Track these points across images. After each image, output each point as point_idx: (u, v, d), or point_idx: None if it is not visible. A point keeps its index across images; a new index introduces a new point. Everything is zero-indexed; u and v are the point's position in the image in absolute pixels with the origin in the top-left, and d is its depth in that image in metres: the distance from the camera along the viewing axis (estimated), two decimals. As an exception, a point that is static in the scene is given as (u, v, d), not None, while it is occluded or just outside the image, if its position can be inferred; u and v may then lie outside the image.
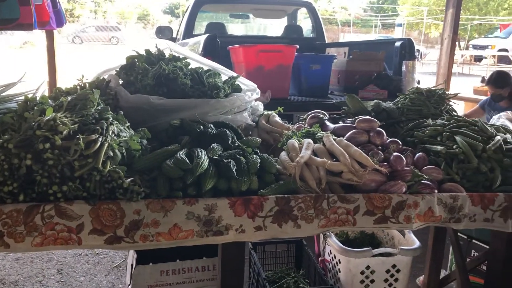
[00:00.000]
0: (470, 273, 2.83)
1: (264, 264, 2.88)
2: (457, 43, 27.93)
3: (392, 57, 4.56)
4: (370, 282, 2.41)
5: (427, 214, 1.62)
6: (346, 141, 1.81)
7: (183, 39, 5.81)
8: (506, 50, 22.57)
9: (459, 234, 3.01)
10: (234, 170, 1.53)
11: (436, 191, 1.69)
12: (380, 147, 1.90)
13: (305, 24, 7.29)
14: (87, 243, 1.38)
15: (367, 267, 2.39)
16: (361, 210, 1.58)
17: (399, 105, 2.43)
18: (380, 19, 32.78)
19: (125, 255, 3.49)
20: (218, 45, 4.07)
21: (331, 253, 2.57)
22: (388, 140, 1.93)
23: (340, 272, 2.47)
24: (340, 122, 2.26)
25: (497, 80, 4.59)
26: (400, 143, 1.92)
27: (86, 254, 3.58)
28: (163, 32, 6.71)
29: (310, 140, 1.80)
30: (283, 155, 1.77)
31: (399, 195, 1.61)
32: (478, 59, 23.62)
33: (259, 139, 1.87)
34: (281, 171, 1.72)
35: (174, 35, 6.66)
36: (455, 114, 2.50)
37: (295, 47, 3.92)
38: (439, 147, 1.93)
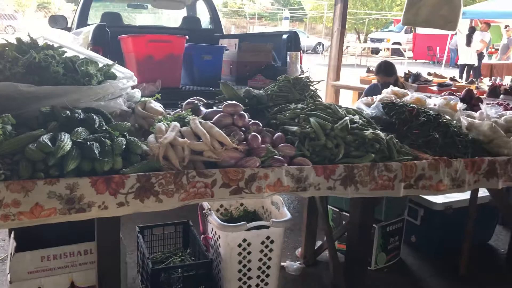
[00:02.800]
0: (339, 241, 3.19)
1: (153, 246, 3.00)
2: (357, 36, 29.74)
3: (280, 48, 4.85)
4: (247, 253, 2.62)
5: (276, 184, 1.86)
6: (210, 123, 1.99)
7: (77, 28, 5.66)
8: (399, 43, 24.48)
9: (332, 207, 3.37)
10: (97, 151, 1.63)
11: (286, 164, 1.92)
12: (243, 128, 2.11)
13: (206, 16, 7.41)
14: None
15: (244, 240, 2.60)
16: (218, 183, 1.77)
17: (269, 92, 2.67)
18: (287, 12, 33.75)
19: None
20: (107, 35, 4.05)
21: (212, 230, 2.75)
22: (250, 122, 2.14)
23: (220, 246, 2.66)
24: (214, 107, 2.45)
25: (386, 69, 5.01)
26: (260, 124, 2.14)
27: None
28: (57, 21, 6.45)
29: (177, 123, 1.95)
30: (151, 137, 1.90)
31: (252, 168, 1.83)
32: (376, 51, 25.37)
33: (128, 123, 1.98)
34: (148, 152, 1.85)
35: (69, 25, 6.44)
36: (320, 99, 2.80)
37: (184, 37, 4.04)
38: (295, 128, 2.19)
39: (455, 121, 2.58)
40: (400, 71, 6.74)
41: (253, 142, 1.94)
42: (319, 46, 26.56)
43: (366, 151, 2.13)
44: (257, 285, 2.71)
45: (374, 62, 20.28)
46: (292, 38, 4.71)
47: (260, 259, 2.67)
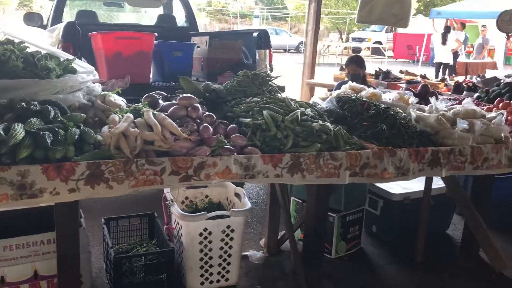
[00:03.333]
0: (302, 231, 3.31)
1: (119, 237, 3.08)
2: (339, 35, 29.99)
3: (251, 46, 4.96)
4: (208, 242, 2.73)
5: (225, 172, 1.97)
6: (163, 115, 2.09)
7: (52, 25, 5.70)
8: (380, 43, 24.81)
9: (295, 198, 3.49)
10: (49, 140, 1.72)
11: (235, 153, 2.03)
12: (198, 120, 2.21)
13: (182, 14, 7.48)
14: None
15: (205, 229, 2.70)
16: (167, 171, 1.87)
17: (228, 86, 2.78)
18: (268, 11, 33.91)
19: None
20: (77, 32, 4.12)
21: (175, 221, 2.85)
22: (205, 114, 2.25)
23: (182, 236, 2.76)
24: (173, 100, 2.54)
25: (358, 60, 5.15)
26: (214, 116, 2.26)
27: None
28: (32, 19, 6.48)
29: (130, 114, 2.05)
30: (105, 128, 1.99)
31: (201, 157, 1.93)
32: (357, 50, 25.62)
33: (83, 115, 2.07)
34: (102, 142, 1.94)
35: (45, 23, 6.46)
36: (279, 93, 2.91)
37: (153, 34, 4.13)
38: (248, 120, 2.29)
39: (403, 114, 2.71)
40: (389, 69, 6.92)
41: (204, 132, 2.05)
42: (302, 45, 26.74)
43: (314, 141, 2.25)
44: (219, 272, 2.82)
45: (355, 61, 20.57)
46: (262, 36, 4.82)
47: (221, 248, 2.78)
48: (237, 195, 3.05)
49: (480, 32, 14.77)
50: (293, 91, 8.50)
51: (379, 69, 6.67)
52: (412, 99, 3.02)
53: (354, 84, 3.35)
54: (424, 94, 3.48)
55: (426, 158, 2.44)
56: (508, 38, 13.96)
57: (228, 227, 2.76)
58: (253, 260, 3.22)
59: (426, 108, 2.93)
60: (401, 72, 7.41)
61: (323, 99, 2.98)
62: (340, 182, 2.24)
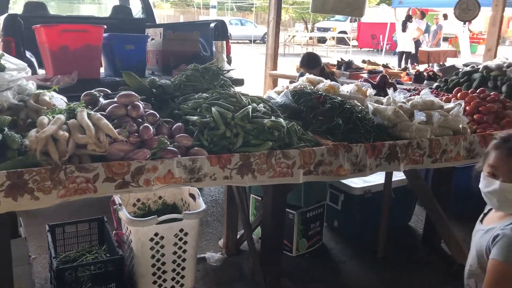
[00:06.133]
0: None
1: (67, 244, 2.88)
2: (305, 25, 29.96)
3: (208, 38, 4.79)
4: (160, 247, 2.57)
5: (167, 176, 1.81)
6: (99, 115, 1.91)
7: (-4, 19, 5.36)
8: (345, 32, 24.93)
9: (255, 195, 3.37)
10: (-39, 148, 1.53)
11: (179, 155, 1.88)
12: (139, 119, 2.04)
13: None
14: None
15: (156, 234, 2.54)
16: (100, 178, 1.70)
17: (176, 81, 2.61)
18: (233, 2, 33.59)
19: None
20: (20, 26, 3.86)
21: (125, 226, 2.68)
22: (147, 113, 2.08)
23: (132, 242, 2.60)
24: (116, 98, 2.36)
25: (309, 62, 4.98)
26: (157, 115, 2.09)
27: None
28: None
29: (60, 116, 1.86)
30: (32, 131, 1.80)
31: (139, 161, 1.77)
32: (322, 40, 25.67)
33: (8, 117, 1.87)
34: (28, 147, 1.75)
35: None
36: (232, 88, 2.77)
37: (102, 27, 3.90)
38: (195, 117, 2.14)
39: (360, 107, 2.62)
40: (346, 59, 6.84)
41: (144, 133, 1.89)
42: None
43: (265, 139, 2.12)
44: (173, 278, 2.67)
45: (321, 51, 20.59)
46: (219, 27, 4.66)
47: (175, 252, 2.63)
48: (191, 195, 2.90)
49: (433, 20, 14.98)
50: (257, 83, 8.39)
51: (341, 59, 6.60)
52: (370, 91, 2.94)
53: (312, 76, 3.24)
54: (383, 85, 3.40)
55: (384, 153, 2.36)
56: (467, 27, 14.21)
57: (181, 230, 2.61)
58: (211, 262, 3.09)
59: (384, 100, 2.85)
60: (363, 62, 7.37)
61: (279, 93, 2.86)
62: (293, 182, 2.13)
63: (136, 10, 6.86)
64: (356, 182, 3.44)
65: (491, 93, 3.21)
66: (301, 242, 3.24)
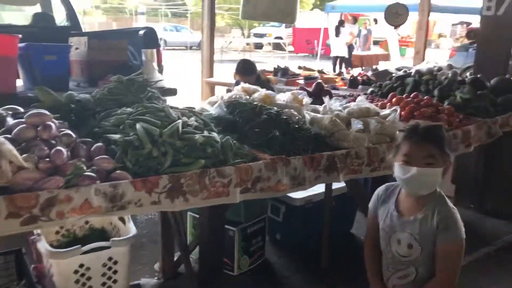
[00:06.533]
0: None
1: (-21, 281, 2.55)
2: (242, 32, 30.05)
3: (138, 46, 4.54)
4: (86, 279, 2.32)
5: (84, 207, 1.59)
6: (1, 139, 1.65)
7: None
8: (280, 38, 25.21)
9: (193, 213, 3.18)
10: None
11: (98, 181, 1.67)
12: (53, 141, 1.80)
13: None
14: None
15: (81, 265, 2.29)
16: (2, 214, 1.46)
17: (98, 95, 2.38)
18: (168, 8, 33.12)
19: None
20: None
21: (46, 258, 2.41)
22: (62, 133, 1.85)
23: (54, 275, 2.33)
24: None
25: (244, 69, 4.82)
26: (73, 135, 1.86)
27: None
28: None
29: (-47, 142, 1.59)
30: None
31: (50, 191, 1.54)
32: (259, 46, 25.82)
33: None
34: None
35: None
36: (161, 100, 2.57)
37: (17, 36, 3.55)
38: (117, 136, 1.93)
39: (297, 117, 2.52)
40: (282, 65, 6.78)
41: (56, 158, 1.65)
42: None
43: (198, 157, 1.95)
44: (103, 312, 2.42)
45: (257, 57, 20.67)
46: (149, 35, 4.43)
47: (104, 283, 2.39)
48: (121, 218, 2.66)
49: (362, 25, 15.47)
50: (195, 91, 8.17)
51: (277, 66, 6.56)
52: (306, 100, 2.85)
53: (247, 85, 3.11)
54: (319, 92, 3.34)
55: (322, 165, 2.26)
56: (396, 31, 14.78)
57: (110, 259, 2.37)
58: (147, 289, 2.86)
59: (321, 108, 2.77)
60: (299, 67, 7.37)
61: (213, 104, 2.70)
62: (230, 201, 1.97)
63: (60, 17, 6.45)
64: (297, 193, 3.33)
65: (425, 98, 3.25)
66: (243, 259, 3.09)
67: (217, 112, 2.52)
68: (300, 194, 3.33)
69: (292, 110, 2.69)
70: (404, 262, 1.81)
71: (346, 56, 13.25)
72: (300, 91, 3.01)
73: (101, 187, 1.63)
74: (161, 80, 2.69)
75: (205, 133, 2.08)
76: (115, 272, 2.40)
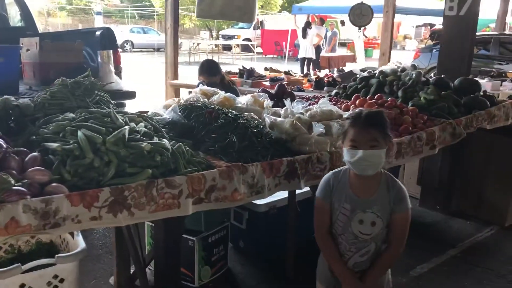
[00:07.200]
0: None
1: None
2: (210, 33, 29.81)
3: (94, 47, 4.33)
4: (29, 301, 2.14)
5: (10, 226, 1.42)
6: None
7: None
8: (249, 40, 25.11)
9: (151, 223, 3.00)
10: None
11: (28, 197, 1.49)
12: (-21, 152, 1.62)
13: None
14: None
15: (22, 285, 2.10)
16: None
17: (39, 99, 2.19)
18: (134, 9, 32.58)
19: None
20: None
21: (-17, 278, 2.20)
22: (-11, 143, 1.66)
23: (-8, 297, 2.13)
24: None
25: (209, 69, 4.65)
26: (3, 144, 1.67)
27: None
28: None
29: None
30: None
31: (-30, 210, 1.36)
32: (228, 48, 25.65)
33: None
34: None
35: None
36: (112, 105, 2.40)
37: (-42, 37, 3.30)
38: (55, 144, 1.76)
39: (256, 121, 2.39)
40: (247, 67, 6.66)
41: (-22, 171, 1.47)
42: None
43: (146, 166, 1.80)
44: (49, 334, 2.23)
45: (226, 59, 20.52)
46: (106, 36, 4.23)
47: (49, 303, 2.20)
48: (70, 232, 2.47)
49: (329, 26, 15.53)
50: (159, 95, 7.96)
51: (243, 67, 6.43)
52: (267, 102, 2.74)
53: (206, 87, 2.97)
54: (281, 94, 3.23)
55: (282, 171, 2.15)
56: (362, 32, 14.90)
57: (55, 277, 2.18)
58: (101, 305, 2.68)
59: (282, 111, 2.66)
60: (265, 69, 7.28)
61: (168, 108, 2.54)
62: (182, 214, 1.83)
63: (15, 18, 6.15)
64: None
65: (388, 99, 3.18)
66: (204, 270, 2.94)
67: (172, 116, 2.37)
68: (263, 200, 3.21)
69: (252, 113, 2.58)
70: (366, 240, 1.92)
71: (313, 57, 13.25)
72: (262, 93, 2.89)
73: (31, 203, 1.46)
74: (111, 83, 2.51)
75: (155, 139, 1.93)
76: (61, 290, 2.22)
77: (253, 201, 3.14)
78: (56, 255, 2.22)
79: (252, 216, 3.22)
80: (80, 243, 2.34)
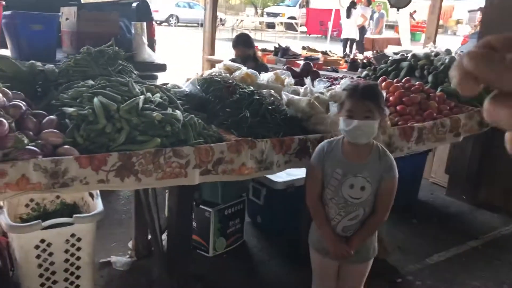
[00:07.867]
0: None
1: None
2: (255, 10, 29.58)
3: (131, 18, 4.42)
4: (48, 255, 2.27)
5: (21, 182, 1.52)
6: None
7: None
8: (294, 18, 24.77)
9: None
10: None
11: (40, 156, 1.59)
12: (1, 112, 1.72)
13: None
14: None
15: (42, 241, 2.24)
16: None
17: (63, 66, 2.29)
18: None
19: None
20: None
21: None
22: (10, 103, 1.76)
23: (15, 250, 2.28)
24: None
25: (245, 41, 4.66)
26: (23, 106, 1.77)
27: None
28: None
29: None
30: None
31: (-19, 164, 1.46)
32: (271, 26, 25.42)
33: None
34: None
35: None
36: (135, 75, 2.48)
37: (0, 3, 3.46)
38: (72, 109, 1.85)
39: (272, 98, 2.40)
40: (294, 46, 6.62)
41: (-4, 129, 1.57)
42: (219, 20, 26.00)
43: (156, 135, 1.86)
44: (66, 288, 2.38)
45: (269, 36, 20.37)
46: (141, 8, 4.30)
47: (67, 260, 2.34)
48: (90, 194, 2.60)
49: (376, 7, 15.04)
50: (196, 69, 8.03)
51: (279, 45, 6.39)
52: (288, 80, 2.73)
53: (230, 62, 2.99)
54: (306, 73, 3.21)
55: (293, 149, 2.16)
56: (411, 15, 14.37)
57: (73, 235, 2.31)
58: (118, 267, 2.81)
59: (302, 89, 2.65)
60: (303, 48, 7.19)
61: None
62: (187, 183, 1.89)
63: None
64: (280, 176, 3.23)
65: (416, 83, 3.10)
66: (219, 241, 3.02)
67: (190, 89, 2.42)
68: (282, 177, 3.23)
69: (272, 91, 2.59)
70: (356, 204, 2.00)
71: (357, 38, 12.93)
72: (284, 71, 2.89)
73: (41, 162, 1.55)
74: (134, 53, 2.58)
75: (169, 110, 1.99)
76: (78, 249, 2.34)
77: (272, 179, 3.19)
78: (74, 215, 2.35)
79: (269, 193, 3.25)
80: (98, 205, 2.46)
